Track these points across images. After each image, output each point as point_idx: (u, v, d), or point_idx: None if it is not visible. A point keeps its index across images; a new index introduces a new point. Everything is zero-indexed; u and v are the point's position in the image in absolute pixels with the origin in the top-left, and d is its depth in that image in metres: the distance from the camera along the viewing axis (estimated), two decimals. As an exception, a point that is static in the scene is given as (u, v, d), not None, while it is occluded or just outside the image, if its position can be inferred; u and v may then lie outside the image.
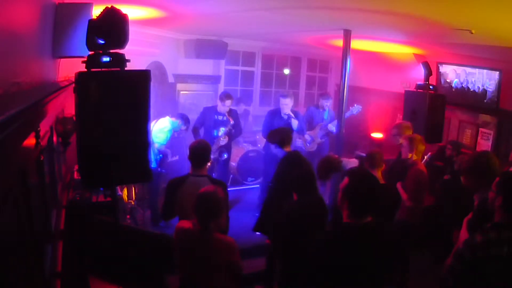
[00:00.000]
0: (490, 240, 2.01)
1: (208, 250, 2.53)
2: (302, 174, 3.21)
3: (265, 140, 6.04)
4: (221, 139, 5.49)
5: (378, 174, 3.68)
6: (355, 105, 6.16)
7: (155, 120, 5.10)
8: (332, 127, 6.10)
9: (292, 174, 3.21)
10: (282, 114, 5.66)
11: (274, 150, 4.09)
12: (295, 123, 5.60)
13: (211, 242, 2.53)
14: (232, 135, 5.66)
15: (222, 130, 5.50)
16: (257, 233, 5.10)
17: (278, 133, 4.19)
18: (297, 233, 2.87)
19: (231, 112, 5.55)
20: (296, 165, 3.76)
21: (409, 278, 3.61)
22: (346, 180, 2.27)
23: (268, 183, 4.28)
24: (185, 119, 5.30)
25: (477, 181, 2.68)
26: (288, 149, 4.06)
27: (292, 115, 5.64)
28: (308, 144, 6.27)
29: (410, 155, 3.98)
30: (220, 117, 5.54)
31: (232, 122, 5.46)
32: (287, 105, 5.62)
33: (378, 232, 2.22)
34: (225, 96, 5.50)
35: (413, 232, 3.88)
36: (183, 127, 5.28)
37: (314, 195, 3.27)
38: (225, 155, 5.60)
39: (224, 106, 5.47)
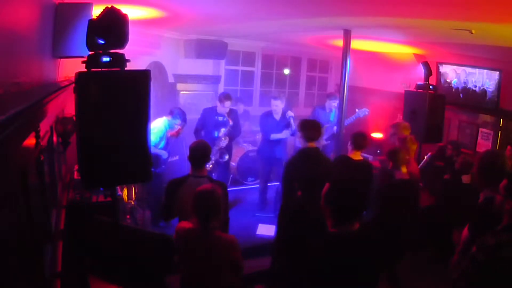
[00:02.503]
0: (502, 242, 2.02)
1: (209, 248, 2.54)
2: (307, 173, 3.15)
3: (263, 140, 6.08)
4: (222, 139, 5.48)
5: (403, 170, 3.71)
6: (364, 108, 6.14)
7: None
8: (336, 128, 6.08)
9: (299, 172, 3.16)
10: (274, 115, 5.71)
11: (298, 140, 4.03)
12: (293, 125, 5.59)
13: (212, 240, 2.54)
14: (232, 136, 5.66)
15: (222, 131, 5.49)
16: (258, 233, 5.12)
17: (311, 126, 3.96)
18: (296, 233, 2.86)
19: (231, 112, 5.54)
20: (311, 161, 3.71)
21: (400, 279, 3.62)
22: (326, 186, 2.17)
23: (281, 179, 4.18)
24: (176, 113, 5.02)
25: (487, 180, 2.70)
26: (311, 145, 3.89)
27: (292, 115, 5.63)
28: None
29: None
30: (220, 118, 5.53)
31: (231, 123, 5.45)
32: (277, 107, 5.68)
33: (363, 241, 2.11)
34: (224, 97, 5.47)
35: (406, 233, 3.88)
36: (178, 122, 5.02)
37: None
38: (226, 157, 5.59)
39: (224, 107, 5.45)
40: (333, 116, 6.39)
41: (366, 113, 6.20)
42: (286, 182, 3.77)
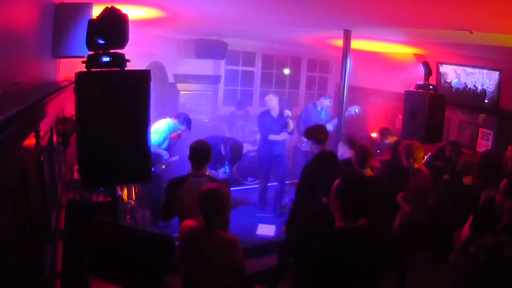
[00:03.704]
0: (502, 242, 2.02)
1: (211, 247, 2.54)
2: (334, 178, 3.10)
3: (261, 140, 6.04)
4: (220, 173, 5.32)
5: (369, 171, 3.66)
6: (354, 106, 6.17)
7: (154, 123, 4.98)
8: (330, 126, 6.08)
9: (325, 176, 3.09)
10: (272, 113, 5.67)
11: (311, 146, 3.98)
12: (290, 124, 5.57)
13: (214, 239, 2.54)
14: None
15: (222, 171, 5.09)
16: (258, 233, 5.12)
17: (317, 129, 4.05)
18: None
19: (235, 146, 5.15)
20: (330, 165, 3.70)
21: (407, 279, 3.61)
22: (337, 182, 2.27)
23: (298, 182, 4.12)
24: (183, 119, 5.07)
25: (487, 180, 2.70)
26: (324, 147, 3.95)
27: (289, 113, 5.61)
28: (305, 144, 6.25)
29: (416, 165, 3.97)
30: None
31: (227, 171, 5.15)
32: (271, 101, 5.63)
33: (371, 235, 2.20)
34: (233, 158, 4.88)
35: (413, 234, 3.87)
36: (182, 127, 5.08)
37: None
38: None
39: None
40: (324, 114, 6.41)
41: (357, 110, 6.20)
42: (307, 187, 3.74)
